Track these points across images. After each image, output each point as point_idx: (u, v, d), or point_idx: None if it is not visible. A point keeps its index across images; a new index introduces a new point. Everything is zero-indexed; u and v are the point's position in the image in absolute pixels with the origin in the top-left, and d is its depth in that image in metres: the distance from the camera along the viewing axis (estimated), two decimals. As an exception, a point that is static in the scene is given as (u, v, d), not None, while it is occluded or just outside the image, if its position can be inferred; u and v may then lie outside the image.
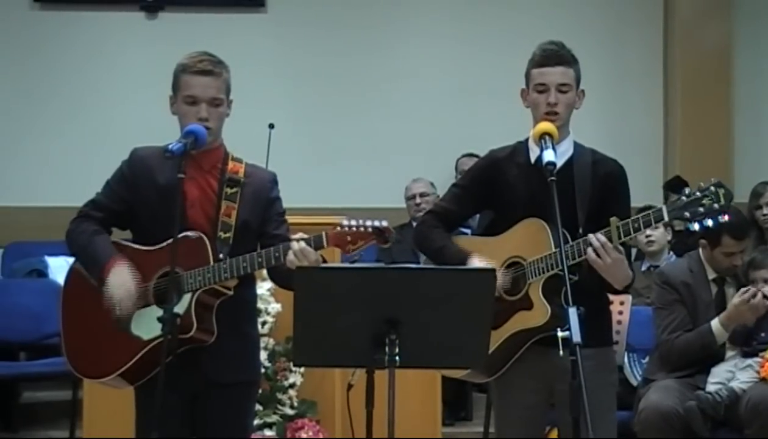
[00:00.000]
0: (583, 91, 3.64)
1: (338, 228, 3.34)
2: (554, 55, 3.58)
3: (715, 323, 4.93)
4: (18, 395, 6.49)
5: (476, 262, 3.56)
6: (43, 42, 7.98)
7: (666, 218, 3.34)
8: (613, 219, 3.36)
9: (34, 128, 7.92)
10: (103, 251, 3.50)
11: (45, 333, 6.11)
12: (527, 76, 3.63)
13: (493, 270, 3.17)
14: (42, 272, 6.77)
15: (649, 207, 3.54)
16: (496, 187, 3.66)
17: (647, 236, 6.30)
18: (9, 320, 6.23)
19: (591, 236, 3.37)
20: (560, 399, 3.52)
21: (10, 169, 7.84)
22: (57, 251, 6.27)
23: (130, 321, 3.47)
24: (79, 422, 5.45)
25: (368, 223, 3.33)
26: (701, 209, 3.28)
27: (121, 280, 3.43)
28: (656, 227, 6.01)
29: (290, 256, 3.31)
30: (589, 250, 3.36)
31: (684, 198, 3.31)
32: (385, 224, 3.35)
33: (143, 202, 3.53)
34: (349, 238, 3.33)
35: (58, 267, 6.48)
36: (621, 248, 3.41)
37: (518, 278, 3.57)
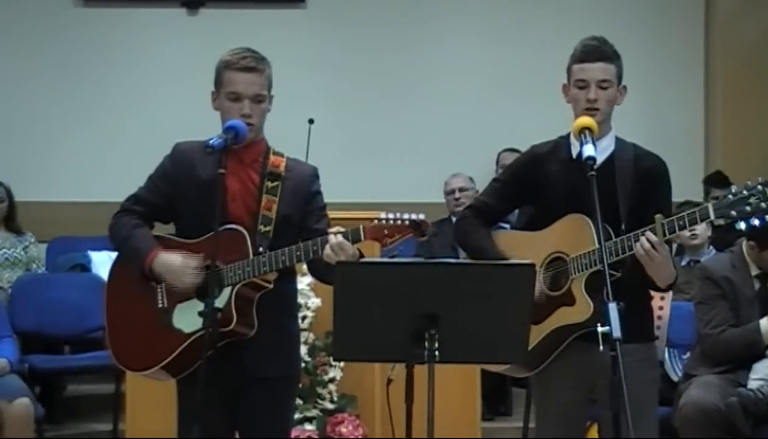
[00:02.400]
0: (624, 87, 3.61)
1: (375, 221, 3.33)
2: (595, 50, 3.55)
3: (764, 322, 4.88)
4: (62, 388, 6.56)
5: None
6: (86, 39, 8.04)
7: (712, 217, 3.30)
8: (658, 216, 3.33)
9: (77, 124, 7.99)
10: (143, 244, 3.51)
11: (88, 327, 6.18)
12: (568, 71, 3.60)
13: (532, 265, 3.15)
14: (85, 267, 6.83)
15: (689, 202, 3.51)
16: (537, 183, 3.64)
17: (690, 230, 6.24)
18: (53, 314, 6.29)
19: (642, 236, 3.33)
20: (601, 395, 3.49)
21: (54, 165, 7.93)
22: (100, 245, 6.34)
23: (173, 315, 3.49)
24: (121, 414, 5.49)
25: (405, 216, 3.32)
26: (748, 208, 3.24)
27: (170, 265, 3.44)
28: (699, 222, 5.95)
29: (327, 250, 3.30)
30: (638, 246, 3.33)
31: (731, 196, 3.27)
32: (422, 217, 3.33)
33: (185, 196, 3.54)
34: (386, 231, 3.31)
35: (101, 262, 6.54)
36: (666, 245, 3.38)
37: (560, 274, 3.54)
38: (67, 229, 7.46)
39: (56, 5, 8.06)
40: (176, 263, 3.45)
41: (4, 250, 6.64)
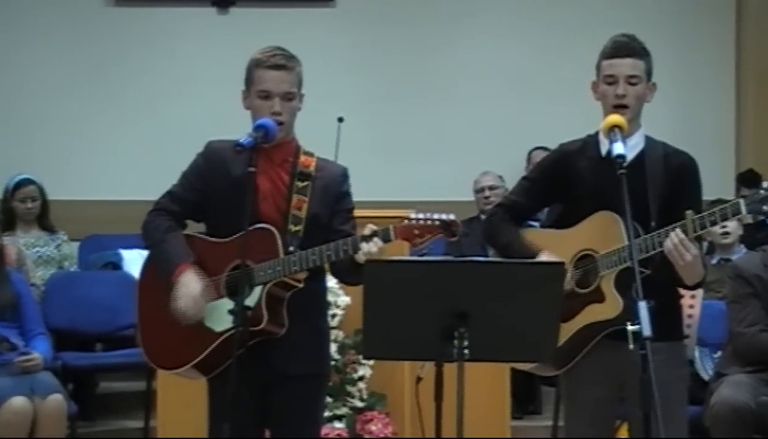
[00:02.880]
0: (654, 84, 3.59)
1: (405, 221, 3.33)
2: (624, 46, 3.54)
3: None
4: (94, 386, 6.60)
5: (545, 257, 3.53)
6: (118, 38, 8.09)
7: (744, 212, 3.28)
8: (688, 212, 3.32)
9: (109, 123, 8.04)
10: (174, 254, 3.52)
11: (120, 325, 6.21)
12: (598, 67, 3.59)
13: (561, 263, 3.15)
14: (117, 265, 6.87)
15: (721, 201, 3.48)
16: (566, 181, 3.63)
17: (723, 227, 6.21)
18: (86, 312, 6.34)
19: (671, 233, 3.32)
20: (630, 393, 3.48)
21: (86, 164, 7.98)
22: (131, 244, 6.36)
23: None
24: (153, 411, 5.52)
25: (435, 216, 3.32)
26: None
27: (187, 290, 3.45)
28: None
29: (365, 248, 3.31)
30: (667, 243, 3.32)
31: (762, 192, 3.25)
32: (452, 217, 3.33)
33: (217, 194, 3.56)
34: (416, 231, 3.32)
35: (133, 260, 6.57)
36: (696, 243, 3.36)
37: (589, 271, 3.53)
38: (99, 227, 7.51)
39: (89, 5, 8.12)
40: (195, 292, 3.45)
41: (38, 248, 6.69)
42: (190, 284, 3.46)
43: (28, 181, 6.79)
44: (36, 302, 5.86)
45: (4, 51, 8.01)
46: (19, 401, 5.09)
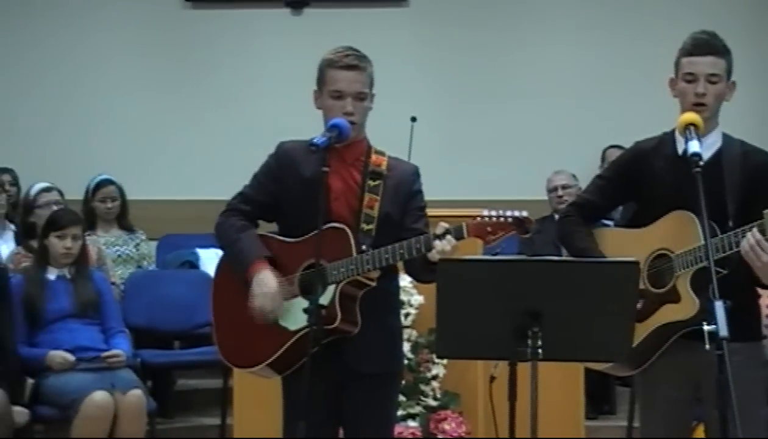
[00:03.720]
0: (734, 82, 3.54)
1: (478, 219, 3.33)
2: (705, 44, 3.49)
3: None
4: (173, 383, 6.68)
5: None
6: (193, 39, 8.19)
7: None
8: (766, 212, 3.26)
9: (185, 124, 8.13)
10: (249, 251, 3.54)
11: (197, 323, 6.26)
12: (676, 64, 3.54)
13: (636, 263, 3.11)
14: (194, 264, 6.94)
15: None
16: (642, 180, 3.59)
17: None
18: (164, 310, 6.41)
19: (747, 233, 3.27)
20: (706, 394, 3.43)
21: (163, 164, 8.08)
22: (207, 243, 6.42)
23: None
24: (229, 409, 5.58)
25: (508, 213, 3.32)
26: None
27: (264, 289, 3.48)
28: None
29: (438, 247, 3.30)
30: (743, 243, 3.27)
31: None
32: (524, 214, 3.32)
33: (289, 194, 3.58)
34: (489, 228, 3.32)
35: (209, 259, 6.63)
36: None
37: (664, 271, 3.49)
38: (177, 227, 7.59)
39: (165, 7, 8.22)
40: (271, 288, 3.48)
41: (117, 247, 6.78)
42: (266, 281, 3.49)
43: (108, 182, 6.87)
44: (116, 300, 5.96)
45: (85, 54, 8.16)
46: (100, 395, 5.18)
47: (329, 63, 3.54)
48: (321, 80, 3.57)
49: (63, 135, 8.07)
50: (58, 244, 5.53)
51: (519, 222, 3.31)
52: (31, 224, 6.18)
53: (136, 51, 8.18)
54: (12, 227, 6.63)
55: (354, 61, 3.52)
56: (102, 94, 8.13)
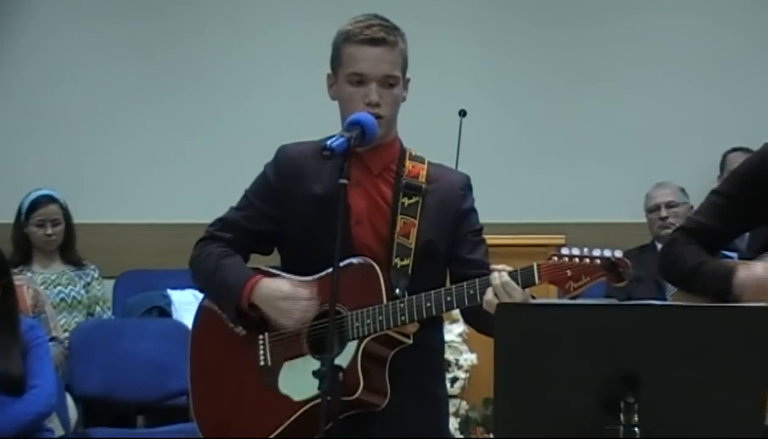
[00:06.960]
0: None
1: (554, 258, 3.32)
2: None
3: None
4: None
5: (749, 274, 3.47)
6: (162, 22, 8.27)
7: None
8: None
9: (152, 122, 8.12)
10: (235, 277, 3.55)
11: (169, 391, 6.28)
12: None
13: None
14: (164, 310, 6.96)
15: None
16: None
17: None
18: (124, 373, 6.40)
19: None
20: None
21: (123, 178, 8.04)
22: (183, 282, 6.44)
23: (279, 375, 3.53)
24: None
25: (596, 253, 3.29)
26: None
27: (277, 296, 3.49)
28: None
29: (488, 295, 3.30)
30: None
31: None
32: (618, 254, 3.29)
33: (294, 217, 3.59)
34: (569, 272, 3.30)
35: (185, 303, 6.67)
36: None
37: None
38: (141, 260, 7.63)
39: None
40: (283, 290, 3.49)
41: (60, 288, 6.80)
42: (274, 289, 3.50)
43: (47, 199, 6.88)
44: (56, 363, 5.83)
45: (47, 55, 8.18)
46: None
47: (347, 36, 3.54)
48: (336, 60, 3.58)
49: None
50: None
51: (612, 266, 3.29)
52: None
53: (80, 32, 8.19)
54: None
55: (380, 33, 3.52)
56: (39, 86, 8.14)
